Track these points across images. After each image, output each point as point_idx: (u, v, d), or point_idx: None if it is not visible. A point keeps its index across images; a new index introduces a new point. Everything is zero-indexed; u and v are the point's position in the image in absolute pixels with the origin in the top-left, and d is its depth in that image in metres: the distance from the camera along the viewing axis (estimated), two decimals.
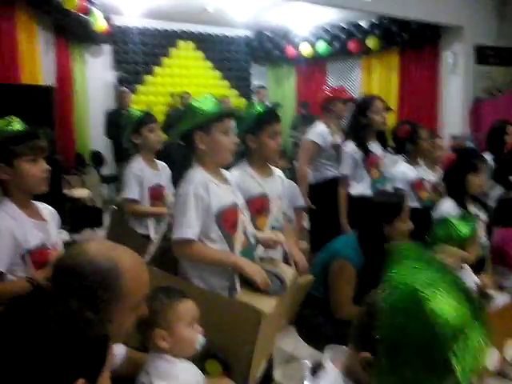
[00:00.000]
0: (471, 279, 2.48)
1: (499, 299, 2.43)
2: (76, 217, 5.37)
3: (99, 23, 7.47)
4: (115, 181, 7.13)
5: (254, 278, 1.84)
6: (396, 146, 3.90)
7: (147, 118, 3.14)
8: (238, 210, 1.99)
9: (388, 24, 8.14)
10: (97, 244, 1.17)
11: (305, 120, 8.27)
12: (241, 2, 7.59)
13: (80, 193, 6.19)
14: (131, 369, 1.47)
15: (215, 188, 1.93)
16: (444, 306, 0.95)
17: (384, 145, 3.69)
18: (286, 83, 10.25)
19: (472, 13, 7.17)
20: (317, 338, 2.51)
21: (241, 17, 8.29)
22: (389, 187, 3.57)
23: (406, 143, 3.72)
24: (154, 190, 3.08)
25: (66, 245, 2.11)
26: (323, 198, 3.80)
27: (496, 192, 3.67)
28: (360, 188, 3.55)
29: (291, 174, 5.61)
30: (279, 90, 10.21)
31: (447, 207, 2.99)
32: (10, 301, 0.88)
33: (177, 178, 2.05)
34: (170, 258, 1.95)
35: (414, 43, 8.02)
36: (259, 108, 2.31)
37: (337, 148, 3.78)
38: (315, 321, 2.50)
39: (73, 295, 0.90)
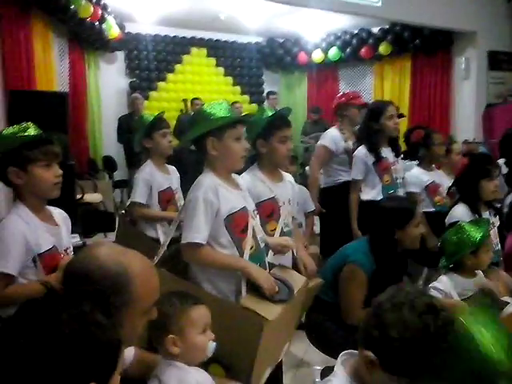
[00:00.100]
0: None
1: None
2: (88, 221, 5.42)
3: (113, 30, 7.56)
4: (127, 186, 7.18)
5: (261, 283, 1.83)
6: (409, 150, 3.89)
7: (159, 122, 3.15)
8: (248, 214, 1.99)
9: (400, 30, 8.12)
10: (107, 248, 1.17)
11: (316, 125, 8.28)
12: (253, 9, 7.62)
13: (92, 198, 6.24)
14: (140, 370, 1.47)
15: (225, 193, 1.93)
16: None
17: (396, 151, 3.68)
18: (297, 89, 10.27)
19: (485, 18, 7.12)
20: (327, 344, 2.50)
21: (253, 24, 8.33)
22: (400, 193, 3.56)
23: (420, 148, 3.71)
24: (164, 194, 3.08)
25: (78, 249, 2.13)
26: (334, 203, 3.79)
27: (510, 198, 3.64)
28: (371, 193, 3.53)
29: (302, 179, 5.62)
30: (291, 96, 10.24)
31: (460, 212, 2.97)
32: (23, 303, 0.89)
33: (188, 183, 2.06)
34: (179, 261, 1.96)
35: (426, 49, 7.99)
36: (269, 113, 2.32)
37: (349, 153, 3.78)
38: (325, 326, 2.49)
39: (85, 299, 0.91)
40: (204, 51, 9.31)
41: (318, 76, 9.82)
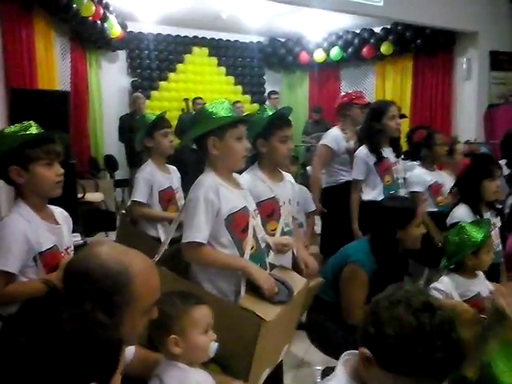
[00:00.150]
0: (485, 286, 2.45)
1: None
2: (89, 220, 5.42)
3: (115, 29, 7.57)
4: (128, 185, 7.19)
5: (261, 284, 1.83)
6: (411, 150, 3.89)
7: (161, 122, 3.14)
8: (249, 214, 1.98)
9: (402, 30, 8.12)
10: (108, 247, 1.17)
11: (317, 125, 8.28)
12: (255, 8, 7.62)
13: (93, 197, 6.25)
14: (141, 368, 1.47)
15: (226, 192, 1.93)
16: None
17: (397, 151, 3.67)
18: (299, 89, 10.28)
19: (487, 18, 7.12)
20: (327, 344, 2.50)
21: (254, 23, 8.33)
22: (402, 193, 3.56)
23: (421, 148, 3.71)
24: (165, 193, 3.08)
25: (79, 248, 2.13)
26: (336, 203, 3.79)
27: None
28: (372, 194, 3.53)
29: (303, 179, 5.62)
30: (292, 95, 10.24)
31: (461, 213, 2.96)
32: (25, 302, 0.89)
33: (189, 182, 2.06)
34: (180, 260, 1.96)
35: (428, 49, 7.99)
36: (270, 112, 2.31)
37: (351, 153, 3.77)
38: (325, 326, 2.49)
39: (86, 298, 0.91)
40: (206, 51, 9.32)
41: (320, 76, 9.82)
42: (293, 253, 2.34)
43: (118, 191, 7.72)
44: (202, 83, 9.09)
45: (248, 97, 9.49)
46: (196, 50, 9.23)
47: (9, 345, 0.82)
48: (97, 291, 1.06)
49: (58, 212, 1.99)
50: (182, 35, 9.07)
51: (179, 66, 9.06)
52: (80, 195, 5.71)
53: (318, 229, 4.19)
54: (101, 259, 1.12)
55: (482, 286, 2.43)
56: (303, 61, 9.69)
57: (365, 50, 8.72)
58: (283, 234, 2.28)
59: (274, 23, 8.57)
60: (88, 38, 7.47)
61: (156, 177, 3.06)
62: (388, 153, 3.58)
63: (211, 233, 1.88)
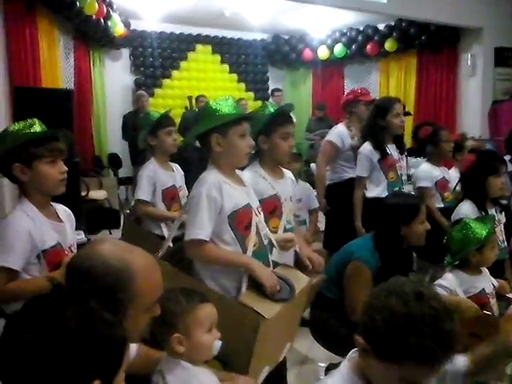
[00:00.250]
0: (490, 283, 2.44)
1: None
2: (93, 218, 5.44)
3: (118, 28, 7.58)
4: (132, 183, 7.21)
5: (263, 281, 1.82)
6: (417, 147, 3.87)
7: (165, 120, 3.14)
8: (252, 211, 1.98)
9: (406, 26, 8.09)
10: (110, 245, 1.17)
11: (320, 122, 8.26)
12: (258, 5, 7.61)
13: (97, 195, 6.26)
14: (143, 366, 1.46)
15: (229, 189, 1.92)
16: None
17: (401, 148, 3.66)
18: (302, 86, 10.26)
19: (491, 15, 7.08)
20: (331, 341, 2.49)
21: (258, 20, 8.32)
22: (406, 190, 3.55)
23: (427, 145, 3.70)
24: (168, 191, 3.07)
25: (82, 246, 2.13)
26: (340, 199, 3.78)
27: None
28: (376, 191, 3.51)
29: (307, 176, 5.62)
30: (296, 92, 10.22)
31: (466, 209, 2.95)
32: (30, 299, 0.89)
33: (192, 180, 2.06)
34: (184, 257, 1.96)
35: (432, 45, 7.96)
36: (271, 109, 2.31)
37: (355, 150, 3.76)
38: (329, 323, 2.49)
39: (90, 296, 0.91)
40: (209, 48, 9.31)
41: (323, 73, 9.80)
42: (295, 250, 2.33)
43: (122, 189, 7.74)
44: (206, 81, 9.09)
45: (251, 94, 9.48)
46: (199, 47, 9.23)
47: (14, 342, 0.82)
48: (100, 288, 1.06)
49: (62, 210, 1.99)
50: (186, 33, 9.07)
51: (182, 64, 9.06)
52: (84, 193, 5.72)
53: (321, 226, 4.18)
54: (103, 257, 1.11)
55: (486, 282, 2.42)
56: (307, 58, 9.68)
57: (369, 46, 8.70)
58: (285, 231, 2.28)
59: (277, 20, 8.56)
60: (91, 37, 7.48)
61: (159, 175, 3.05)
62: (392, 149, 3.56)
63: (214, 230, 1.88)
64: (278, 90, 8.95)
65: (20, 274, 1.78)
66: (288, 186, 2.40)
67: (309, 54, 9.59)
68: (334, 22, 8.61)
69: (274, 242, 2.11)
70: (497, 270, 2.60)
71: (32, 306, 0.87)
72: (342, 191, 3.78)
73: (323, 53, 9.36)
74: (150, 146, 3.14)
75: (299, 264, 2.26)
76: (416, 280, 1.21)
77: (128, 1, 7.40)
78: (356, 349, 1.22)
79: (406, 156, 3.80)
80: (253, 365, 1.72)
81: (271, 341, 1.85)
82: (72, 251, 1.93)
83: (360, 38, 8.87)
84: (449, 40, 7.74)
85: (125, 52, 8.71)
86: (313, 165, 5.86)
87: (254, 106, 8.81)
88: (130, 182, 7.28)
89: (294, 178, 2.52)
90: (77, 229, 2.14)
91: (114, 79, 8.47)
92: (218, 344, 1.50)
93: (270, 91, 9.40)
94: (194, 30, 9.10)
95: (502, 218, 3.09)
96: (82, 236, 3.69)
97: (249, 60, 9.74)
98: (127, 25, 8.06)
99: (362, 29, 8.88)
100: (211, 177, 1.93)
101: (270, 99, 8.89)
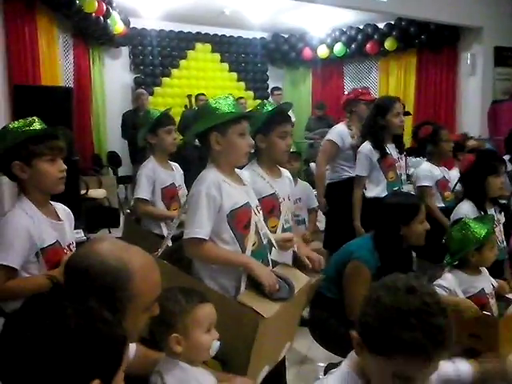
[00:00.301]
0: (489, 283, 2.44)
1: None
2: (92, 217, 5.43)
3: (118, 26, 7.56)
4: (131, 182, 7.20)
5: (262, 280, 1.82)
6: (417, 146, 3.87)
7: (165, 118, 3.13)
8: (251, 210, 1.98)
9: (406, 25, 8.09)
10: (108, 244, 1.17)
11: (320, 121, 8.26)
12: (258, 4, 7.60)
13: (96, 193, 6.26)
14: (142, 367, 1.46)
15: (228, 188, 1.92)
16: None
17: (400, 148, 3.66)
18: (302, 85, 10.25)
19: (491, 14, 7.08)
20: (330, 340, 2.49)
21: (257, 19, 8.31)
22: (405, 190, 3.54)
23: (427, 144, 3.70)
24: (168, 190, 3.06)
25: (81, 244, 2.13)
26: (339, 198, 3.78)
27: None
28: (376, 190, 3.51)
29: (306, 175, 5.62)
30: (295, 91, 10.22)
31: (465, 209, 2.95)
32: (29, 297, 0.89)
33: (191, 179, 2.05)
34: (183, 256, 1.95)
35: (432, 44, 7.96)
36: (269, 108, 2.30)
37: (355, 149, 3.76)
38: (328, 322, 2.48)
39: (90, 295, 0.91)
40: (209, 47, 9.30)
41: (323, 72, 9.79)
42: (293, 250, 2.32)
43: (121, 188, 7.73)
44: (205, 79, 9.08)
45: (251, 93, 9.47)
46: (199, 46, 9.22)
47: (13, 340, 0.82)
48: (99, 287, 1.06)
49: (61, 208, 1.99)
50: (185, 31, 9.05)
51: (182, 62, 9.05)
52: (83, 192, 5.72)
53: (321, 225, 4.17)
54: (101, 256, 1.11)
55: (485, 282, 2.42)
56: (306, 57, 9.67)
57: (368, 45, 8.69)
58: (283, 230, 2.27)
59: (277, 19, 8.55)
60: (91, 35, 7.46)
61: (158, 174, 3.05)
62: (391, 149, 3.56)
63: (213, 229, 1.87)
64: (277, 88, 8.94)
65: (19, 272, 1.78)
66: (286, 185, 2.39)
67: (308, 52, 9.58)
68: (333, 20, 8.61)
69: (273, 242, 2.10)
70: (496, 271, 2.60)
71: (31, 305, 0.87)
72: (342, 190, 3.77)
73: (323, 51, 9.35)
74: (149, 145, 3.14)
75: (298, 263, 2.25)
76: (412, 276, 1.21)
77: None
78: None
79: (406, 156, 3.79)
80: (252, 364, 1.72)
81: (270, 340, 1.85)
82: (71, 250, 1.93)
83: (360, 36, 8.86)
84: (449, 39, 7.74)
85: (124, 50, 8.70)
86: (312, 164, 5.86)
87: (254, 104, 8.77)
88: (130, 180, 7.28)
89: (291, 177, 2.51)
90: (76, 227, 2.13)
91: (113, 77, 8.45)
92: (216, 344, 1.50)
93: (269, 90, 9.40)
94: (194, 29, 9.08)
95: (502, 217, 3.09)
96: (81, 235, 3.68)
97: (248, 59, 9.73)
98: (127, 23, 8.05)
99: (361, 28, 8.88)
100: (211, 175, 1.92)
101: (270, 98, 8.89)
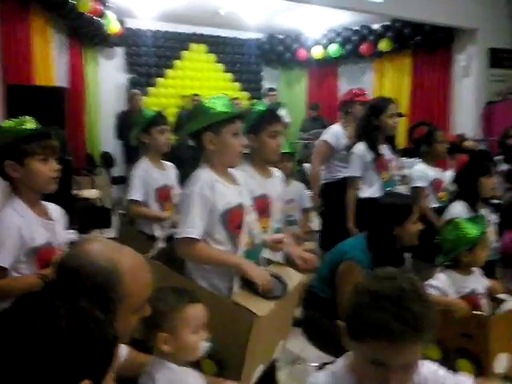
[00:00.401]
0: (481, 283, 2.45)
1: (509, 303, 2.40)
2: (85, 217, 5.41)
3: (112, 26, 7.55)
4: (125, 182, 7.17)
5: (255, 280, 1.82)
6: (412, 147, 3.88)
7: (159, 118, 3.12)
8: (244, 210, 1.98)
9: (401, 26, 8.11)
10: (99, 244, 1.16)
11: (315, 122, 8.27)
12: (253, 5, 7.61)
13: (89, 193, 6.24)
14: (133, 370, 1.45)
15: (222, 188, 1.92)
16: None
17: (393, 148, 3.67)
18: (297, 86, 10.26)
19: (486, 16, 7.11)
20: (323, 340, 2.49)
21: (253, 20, 8.31)
22: (400, 189, 3.55)
23: (422, 145, 3.71)
24: (161, 190, 3.05)
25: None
26: (334, 199, 3.78)
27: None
28: (369, 191, 3.51)
29: (300, 175, 5.61)
30: (290, 92, 10.23)
31: (458, 210, 2.97)
32: (20, 296, 0.88)
33: (185, 179, 2.05)
34: (176, 257, 1.95)
35: (426, 46, 7.99)
36: (260, 108, 2.30)
37: (350, 149, 3.76)
38: (321, 323, 2.48)
39: (82, 295, 0.90)
40: (204, 47, 9.30)
41: (318, 73, 9.81)
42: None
43: (115, 188, 7.71)
44: (200, 80, 9.07)
45: (246, 94, 9.47)
46: (194, 46, 9.21)
47: (3, 339, 0.82)
48: (91, 288, 1.06)
49: (53, 208, 1.99)
50: (180, 32, 9.04)
51: (177, 63, 9.03)
52: (76, 192, 5.69)
53: (314, 225, 4.18)
54: (91, 256, 1.10)
55: (477, 282, 2.43)
56: (301, 57, 9.68)
57: (363, 46, 8.72)
58: (273, 230, 2.28)
59: (272, 20, 8.55)
60: (85, 35, 7.44)
61: (151, 174, 3.03)
62: (384, 150, 3.57)
63: (206, 229, 1.87)
64: (272, 89, 8.96)
65: (9, 272, 1.77)
66: (277, 186, 2.40)
67: (303, 53, 9.60)
68: (328, 21, 8.62)
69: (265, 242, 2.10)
70: (488, 271, 2.61)
71: (22, 304, 0.86)
72: (336, 191, 3.78)
73: (318, 52, 9.36)
74: (142, 144, 3.12)
75: (290, 263, 2.26)
76: (400, 270, 1.22)
77: None
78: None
79: (399, 156, 3.81)
80: (247, 363, 1.72)
81: (265, 339, 1.85)
82: (62, 250, 1.92)
83: (355, 37, 8.89)
84: (443, 41, 7.76)
85: (119, 50, 8.67)
86: (306, 165, 5.86)
87: (249, 105, 8.81)
88: (123, 181, 7.25)
89: (282, 177, 2.51)
90: (68, 228, 2.13)
91: (107, 78, 8.43)
92: (204, 345, 1.49)
93: (264, 91, 9.41)
94: (189, 29, 9.07)
95: (494, 218, 3.10)
96: (73, 235, 3.66)
97: (244, 59, 9.72)
98: (121, 23, 8.03)
99: (356, 29, 8.90)
100: (204, 175, 1.92)
101: (265, 99, 8.90)
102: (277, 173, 2.46)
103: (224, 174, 2.00)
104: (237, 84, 9.51)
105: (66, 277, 1.09)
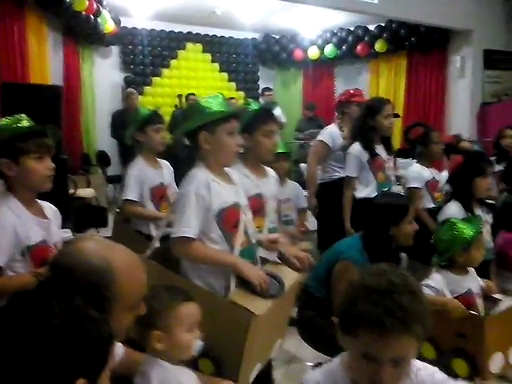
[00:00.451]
0: (476, 283, 2.46)
1: (504, 303, 2.41)
2: (81, 216, 5.39)
3: (108, 25, 7.52)
4: (120, 181, 7.15)
5: (252, 279, 1.82)
6: (407, 148, 3.88)
7: (154, 117, 3.11)
8: (240, 210, 1.98)
9: (396, 27, 8.13)
10: (93, 243, 1.15)
11: (310, 122, 8.28)
12: (249, 4, 7.60)
13: (85, 192, 6.22)
14: (129, 369, 1.45)
15: (217, 187, 1.92)
16: None
17: (389, 149, 3.68)
18: (292, 86, 10.27)
19: (481, 17, 7.14)
20: (318, 340, 2.49)
21: (249, 19, 8.31)
22: (395, 190, 3.56)
23: (417, 146, 3.72)
24: (156, 190, 3.03)
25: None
26: (330, 199, 3.79)
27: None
28: (366, 191, 3.52)
29: (296, 175, 5.62)
30: (286, 92, 10.24)
31: (453, 210, 2.98)
32: (14, 294, 0.88)
33: (181, 178, 2.04)
34: (172, 257, 1.95)
35: (422, 47, 8.01)
36: (254, 107, 2.30)
37: (346, 150, 3.77)
38: (316, 322, 2.49)
39: (77, 293, 0.90)
40: (199, 47, 9.29)
41: (314, 73, 9.82)
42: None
43: (110, 187, 7.69)
44: (196, 79, 9.06)
45: (241, 93, 9.47)
46: (190, 45, 9.20)
47: None
48: (85, 286, 1.05)
49: (48, 207, 1.98)
50: (176, 31, 9.03)
51: (173, 62, 9.02)
52: (71, 191, 5.68)
53: (310, 225, 4.18)
54: (85, 255, 1.10)
55: (473, 282, 2.44)
56: (297, 58, 9.69)
57: (359, 47, 8.74)
58: (268, 230, 2.27)
59: (268, 20, 8.56)
60: (81, 33, 7.42)
61: (146, 173, 3.00)
62: (380, 150, 3.58)
63: (201, 228, 1.87)
64: (268, 89, 8.96)
65: (4, 270, 1.76)
66: (271, 185, 2.39)
67: (299, 53, 9.61)
68: (324, 22, 8.63)
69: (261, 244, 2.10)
70: (483, 271, 2.62)
71: (17, 302, 0.86)
72: (332, 191, 3.78)
73: (314, 53, 9.37)
74: (137, 143, 3.11)
75: (286, 263, 2.25)
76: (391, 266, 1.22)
77: None
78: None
79: (394, 157, 3.81)
80: (245, 362, 1.72)
81: (262, 338, 1.85)
82: (58, 248, 1.91)
83: (350, 38, 8.90)
84: (439, 42, 7.79)
85: (114, 49, 8.65)
86: (302, 165, 5.87)
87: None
88: (119, 180, 7.23)
89: (276, 177, 2.50)
90: (64, 227, 2.12)
91: (103, 77, 8.41)
92: (198, 344, 1.48)
93: (260, 90, 9.41)
94: (185, 28, 9.06)
95: (489, 218, 3.12)
96: (69, 234, 3.65)
97: (239, 59, 9.73)
98: (117, 22, 8.00)
99: (352, 29, 8.92)
100: (200, 175, 1.92)
101: (260, 99, 8.90)
102: (271, 172, 2.45)
103: (220, 173, 2.00)
104: (232, 84, 9.51)
105: (59, 275, 1.08)
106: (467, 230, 2.34)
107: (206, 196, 1.87)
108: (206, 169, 1.95)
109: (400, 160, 4.93)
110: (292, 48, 9.70)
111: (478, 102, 7.43)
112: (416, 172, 3.65)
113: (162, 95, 8.68)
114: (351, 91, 4.10)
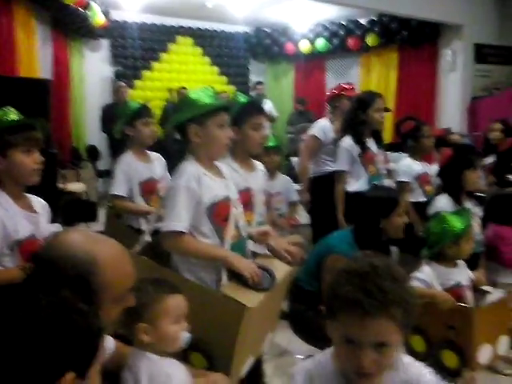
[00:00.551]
0: (466, 275, 2.48)
1: (493, 295, 2.44)
2: (70, 211, 5.36)
3: (98, 18, 7.45)
4: (110, 175, 7.11)
5: (243, 272, 1.81)
6: (399, 141, 3.90)
7: (143, 110, 3.09)
8: (231, 203, 1.97)
9: (387, 21, 8.14)
10: (77, 235, 1.15)
11: (301, 116, 8.28)
12: None
13: (75, 187, 6.18)
14: (119, 363, 1.44)
15: (208, 181, 1.91)
16: None
17: (379, 142, 3.69)
18: (284, 80, 10.25)
19: (472, 11, 7.16)
20: (309, 333, 2.50)
21: (240, 13, 8.27)
22: (386, 183, 3.57)
23: (408, 139, 3.73)
24: (146, 184, 3.00)
25: None
26: (322, 193, 3.80)
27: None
28: (357, 185, 3.53)
29: (287, 169, 5.62)
30: (277, 86, 10.21)
31: (442, 203, 2.99)
32: (2, 288, 0.87)
33: (172, 172, 2.03)
34: (163, 251, 1.94)
35: (413, 41, 8.02)
36: (242, 100, 2.28)
37: (337, 144, 3.77)
38: (307, 316, 2.49)
39: (65, 285, 0.89)
40: (190, 40, 9.23)
41: (305, 67, 9.80)
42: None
43: (100, 182, 7.65)
44: (187, 73, 9.01)
45: (233, 87, 9.43)
46: (180, 39, 9.14)
47: None
48: (72, 279, 1.04)
49: (36, 201, 1.97)
50: (167, 24, 8.96)
51: (163, 56, 8.96)
52: (61, 185, 5.64)
53: (301, 219, 4.19)
54: (70, 247, 1.09)
55: (462, 275, 2.45)
56: (289, 51, 9.67)
57: (350, 41, 8.73)
58: (257, 224, 2.27)
59: (259, 13, 8.52)
60: (70, 27, 7.35)
61: (135, 167, 2.98)
62: (370, 144, 3.59)
63: (192, 222, 1.86)
64: (259, 83, 8.94)
65: None
66: (259, 179, 2.39)
67: (291, 47, 9.58)
68: (316, 15, 8.62)
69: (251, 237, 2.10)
70: (473, 263, 2.64)
71: (4, 296, 0.86)
72: (324, 184, 3.79)
73: (305, 46, 9.35)
74: (127, 137, 3.08)
75: (275, 256, 2.25)
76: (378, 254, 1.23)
77: None
78: None
79: (385, 150, 3.83)
80: (236, 355, 1.72)
81: (254, 330, 1.85)
82: None
83: (342, 32, 8.89)
84: (429, 36, 7.81)
85: (104, 43, 8.57)
86: (294, 158, 5.87)
87: None
88: (109, 174, 7.19)
89: (264, 170, 2.49)
90: (53, 221, 2.11)
91: (93, 70, 8.33)
92: (186, 336, 1.48)
93: (251, 84, 9.38)
94: (176, 22, 9.00)
95: (478, 211, 3.14)
96: (58, 228, 3.63)
97: (231, 53, 9.68)
98: (107, 15, 7.93)
99: (343, 23, 8.91)
100: (190, 168, 1.91)
101: (251, 92, 8.88)
102: (259, 166, 2.44)
103: (210, 166, 1.99)
104: (224, 77, 9.46)
105: (43, 268, 1.07)
106: (457, 223, 2.35)
107: (197, 190, 1.86)
108: (196, 162, 1.94)
109: (390, 153, 4.95)
110: (283, 42, 9.67)
111: (469, 95, 7.46)
112: (406, 166, 3.67)
113: (152, 89, 8.62)
114: (343, 85, 4.11)
